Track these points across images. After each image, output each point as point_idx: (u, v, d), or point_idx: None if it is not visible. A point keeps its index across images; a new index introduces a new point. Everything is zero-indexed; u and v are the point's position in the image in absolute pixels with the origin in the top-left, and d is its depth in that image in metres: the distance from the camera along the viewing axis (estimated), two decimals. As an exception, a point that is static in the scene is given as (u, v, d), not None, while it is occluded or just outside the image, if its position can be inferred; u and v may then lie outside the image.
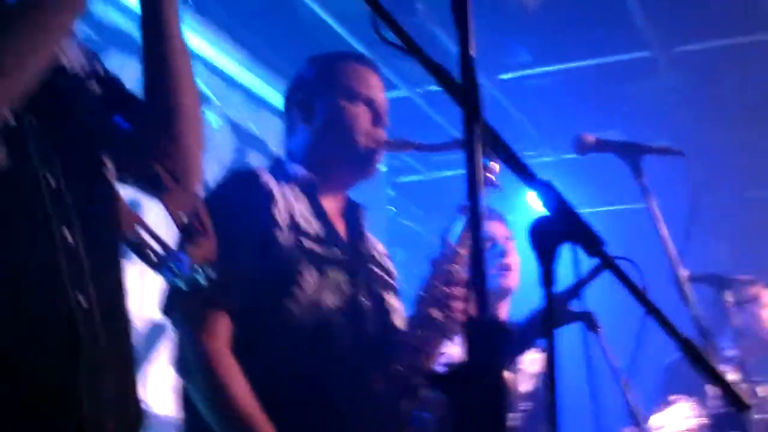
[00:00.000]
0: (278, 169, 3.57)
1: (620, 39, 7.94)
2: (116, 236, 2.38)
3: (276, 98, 8.30)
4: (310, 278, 3.30)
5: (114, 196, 2.41)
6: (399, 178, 10.64)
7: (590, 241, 1.91)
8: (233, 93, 8.30)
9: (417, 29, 7.49)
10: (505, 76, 8.51)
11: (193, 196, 2.45)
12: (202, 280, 2.40)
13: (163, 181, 2.36)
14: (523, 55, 8.38)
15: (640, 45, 8.00)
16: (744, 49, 7.80)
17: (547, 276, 1.82)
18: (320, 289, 3.31)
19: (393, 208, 10.59)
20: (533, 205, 8.82)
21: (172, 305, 3.25)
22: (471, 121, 1.69)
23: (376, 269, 3.59)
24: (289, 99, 3.75)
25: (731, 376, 4.87)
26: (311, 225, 3.41)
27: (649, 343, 2.88)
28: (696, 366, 1.99)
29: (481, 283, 1.59)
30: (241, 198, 3.34)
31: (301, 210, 3.42)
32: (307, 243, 3.35)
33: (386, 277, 3.63)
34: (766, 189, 9.43)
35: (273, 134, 8.45)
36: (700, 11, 7.43)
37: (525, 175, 1.93)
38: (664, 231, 3.55)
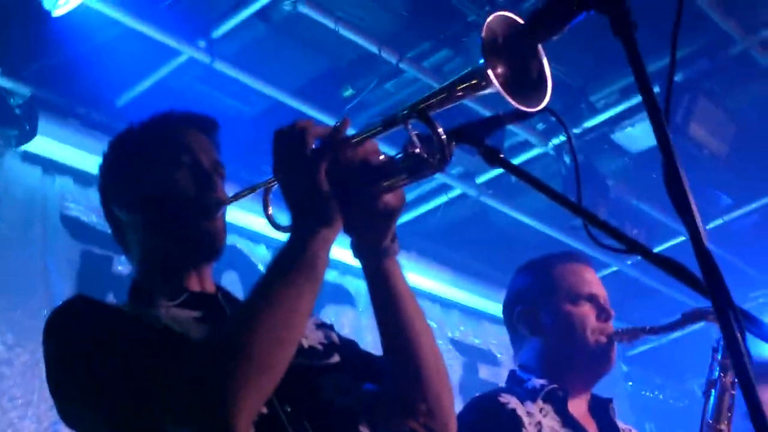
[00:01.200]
0: (517, 385, 3.54)
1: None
2: None
3: (491, 306, 8.34)
4: None
5: None
6: (629, 351, 10.45)
7: None
8: (449, 313, 8.38)
9: (615, 205, 7.52)
10: (711, 225, 8.36)
11: None
12: None
13: None
14: (724, 199, 8.27)
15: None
16: None
17: None
18: None
19: (630, 383, 10.40)
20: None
21: None
22: (723, 311, 1.64)
23: None
24: (510, 312, 3.72)
25: None
26: None
27: None
28: None
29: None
30: (487, 427, 3.31)
31: (551, 425, 3.36)
32: None
33: None
34: None
35: (497, 342, 8.46)
36: None
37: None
38: None
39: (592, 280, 3.65)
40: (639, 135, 7.08)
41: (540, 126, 7.17)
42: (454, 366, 8.06)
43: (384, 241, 2.34)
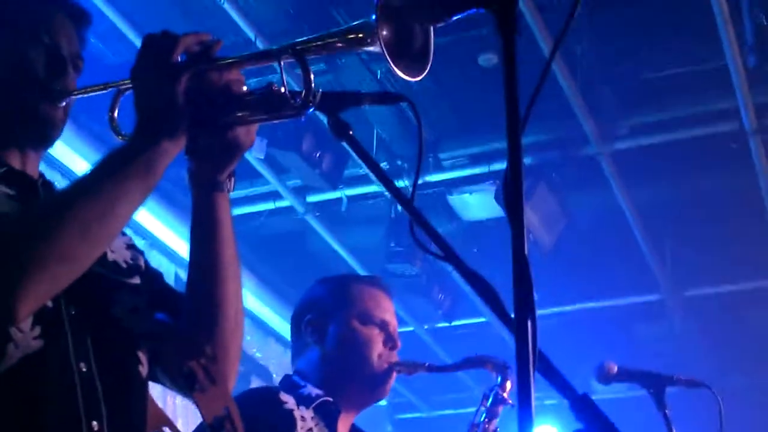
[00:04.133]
0: (293, 389, 3.51)
1: (630, 281, 8.03)
2: (143, 430, 2.34)
3: (284, 328, 8.35)
4: None
5: (145, 393, 2.36)
6: (399, 414, 10.55)
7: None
8: (239, 319, 8.34)
9: (430, 264, 7.64)
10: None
11: (227, 396, 2.40)
12: None
13: (199, 380, 2.31)
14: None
15: (651, 288, 8.08)
16: (755, 293, 7.94)
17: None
18: None
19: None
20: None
21: None
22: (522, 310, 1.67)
23: None
24: (299, 318, 3.68)
25: None
26: None
27: None
28: None
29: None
30: (261, 418, 3.27)
31: None
32: None
33: None
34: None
35: (276, 362, 8.45)
36: (711, 257, 7.57)
37: (562, 386, 1.90)
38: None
39: (387, 308, 3.66)
40: (474, 204, 7.19)
41: (384, 165, 7.23)
42: (228, 371, 8.01)
43: (222, 174, 2.29)
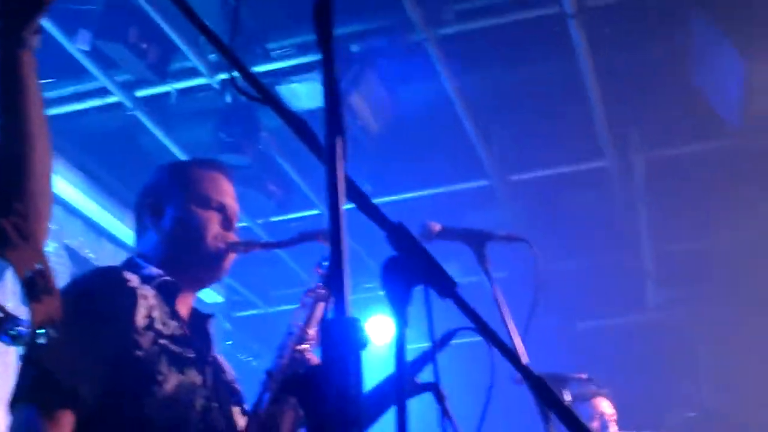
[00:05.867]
0: (136, 269, 3.53)
1: (459, 168, 8.17)
2: None
3: (117, 227, 8.31)
4: (169, 376, 3.25)
5: None
6: (236, 312, 10.60)
7: (442, 282, 1.94)
8: (72, 219, 8.21)
9: (261, 157, 7.65)
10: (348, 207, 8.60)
11: (40, 253, 2.40)
12: (44, 340, 2.35)
13: (9, 236, 2.31)
14: (364, 185, 8.51)
15: (479, 174, 8.24)
16: (579, 176, 8.18)
17: (399, 319, 1.83)
18: (178, 387, 3.26)
19: (230, 342, 10.53)
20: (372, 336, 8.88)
21: (19, 399, 3.16)
22: (331, 141, 1.73)
23: (224, 376, 3.56)
24: (139, 203, 3.71)
25: None
26: (168, 326, 3.38)
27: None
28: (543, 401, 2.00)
29: (340, 285, 1.60)
30: (105, 295, 3.28)
31: (160, 313, 3.39)
32: (166, 342, 3.32)
33: (235, 386, 3.59)
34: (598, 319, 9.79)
35: (111, 262, 8.35)
36: (537, 140, 7.76)
37: (377, 217, 1.97)
38: (510, 322, 3.56)
39: (227, 191, 3.69)
40: (303, 94, 7.21)
41: (212, 57, 7.19)
42: (61, 272, 7.90)
43: (26, 30, 2.29)
